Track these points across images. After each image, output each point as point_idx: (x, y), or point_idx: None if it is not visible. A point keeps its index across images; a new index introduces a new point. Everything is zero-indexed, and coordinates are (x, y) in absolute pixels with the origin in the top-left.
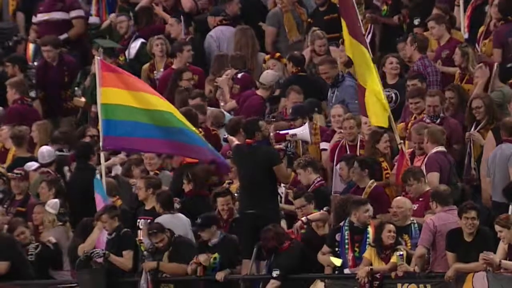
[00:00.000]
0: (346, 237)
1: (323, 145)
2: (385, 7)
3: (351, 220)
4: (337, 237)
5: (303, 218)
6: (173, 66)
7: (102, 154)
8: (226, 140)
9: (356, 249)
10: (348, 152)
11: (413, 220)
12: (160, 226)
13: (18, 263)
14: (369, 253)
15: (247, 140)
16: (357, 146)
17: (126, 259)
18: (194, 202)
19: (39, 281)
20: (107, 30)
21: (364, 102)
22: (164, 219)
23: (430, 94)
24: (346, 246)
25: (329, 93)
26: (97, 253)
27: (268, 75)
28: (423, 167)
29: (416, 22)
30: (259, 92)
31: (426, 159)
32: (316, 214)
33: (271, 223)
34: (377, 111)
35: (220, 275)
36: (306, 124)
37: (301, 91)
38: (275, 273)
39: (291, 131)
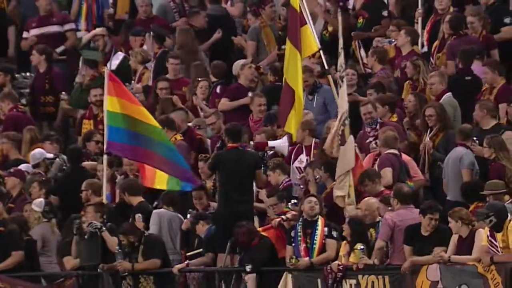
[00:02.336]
0: (299, 231)
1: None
2: (360, 20)
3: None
4: (292, 233)
5: (283, 217)
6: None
7: (105, 157)
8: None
9: (308, 240)
10: (304, 153)
11: (380, 218)
12: (131, 227)
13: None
14: (343, 248)
15: (231, 144)
16: (311, 147)
17: (115, 242)
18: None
19: (30, 273)
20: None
21: (287, 104)
22: (163, 213)
23: (362, 103)
24: (299, 239)
25: (305, 100)
26: (94, 224)
27: (238, 64)
28: (375, 167)
29: (373, 30)
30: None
31: (378, 159)
32: (291, 215)
33: (249, 220)
34: (292, 119)
35: (175, 269)
36: (285, 137)
37: (263, 95)
38: (248, 268)
39: (270, 143)
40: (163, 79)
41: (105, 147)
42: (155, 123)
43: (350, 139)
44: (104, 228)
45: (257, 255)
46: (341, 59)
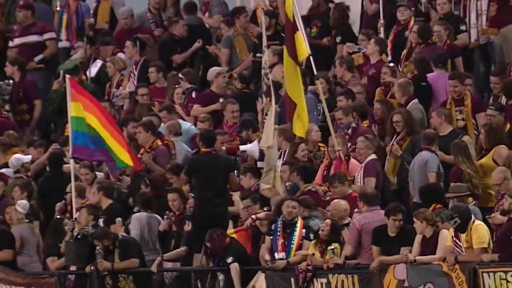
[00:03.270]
0: (279, 226)
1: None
2: (314, 29)
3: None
4: (273, 226)
5: (253, 216)
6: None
7: (72, 161)
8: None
9: (286, 238)
10: (281, 158)
11: (350, 219)
12: (104, 231)
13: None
14: (311, 247)
15: (204, 149)
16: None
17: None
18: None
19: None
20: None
21: (291, 114)
22: (142, 216)
23: (336, 109)
24: (278, 234)
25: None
26: (87, 229)
27: (212, 71)
28: (361, 172)
29: (338, 39)
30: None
31: (364, 165)
32: (262, 214)
33: (225, 221)
34: (299, 123)
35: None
36: (256, 141)
37: (235, 102)
38: (229, 259)
39: (242, 147)
40: (143, 85)
41: (70, 151)
42: (91, 122)
43: (275, 140)
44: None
45: (234, 250)
46: (265, 57)
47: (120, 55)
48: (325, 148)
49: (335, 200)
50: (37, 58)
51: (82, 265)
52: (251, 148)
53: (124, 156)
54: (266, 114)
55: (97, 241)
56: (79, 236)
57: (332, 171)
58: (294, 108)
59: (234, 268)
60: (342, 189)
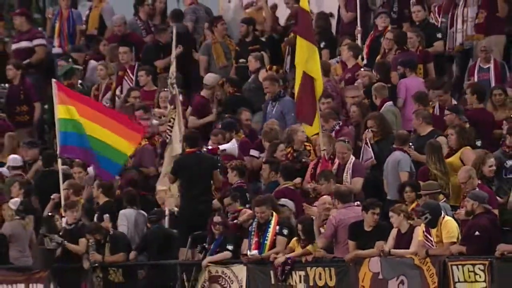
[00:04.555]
0: (254, 226)
1: (253, 152)
2: (292, 35)
3: None
4: (250, 228)
5: (236, 221)
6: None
7: (59, 161)
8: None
9: (261, 235)
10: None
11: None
12: (96, 226)
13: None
14: (293, 242)
15: (189, 149)
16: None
17: (81, 246)
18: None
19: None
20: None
21: (309, 98)
22: (129, 212)
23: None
24: (253, 233)
25: (268, 107)
26: (55, 240)
27: (210, 78)
28: (349, 172)
29: (322, 45)
30: (202, 92)
31: (351, 166)
32: (244, 216)
33: (209, 217)
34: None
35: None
36: (234, 140)
37: (249, 110)
38: (230, 247)
39: (221, 146)
40: (135, 89)
41: (58, 152)
42: (85, 125)
43: (176, 147)
44: (65, 242)
45: (235, 238)
46: (172, 68)
47: (92, 62)
48: (311, 147)
49: (324, 196)
50: (24, 62)
51: (48, 268)
52: (230, 146)
53: (123, 145)
54: (170, 121)
55: (89, 235)
56: (49, 247)
57: (319, 170)
58: (312, 84)
59: (228, 255)
60: (327, 186)
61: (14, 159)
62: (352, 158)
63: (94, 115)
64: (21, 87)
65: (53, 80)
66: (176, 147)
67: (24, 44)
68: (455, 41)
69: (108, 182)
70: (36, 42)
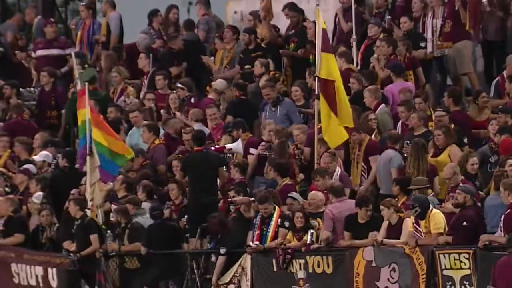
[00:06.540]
0: (258, 220)
1: (252, 150)
2: (292, 45)
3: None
4: (254, 220)
5: (229, 199)
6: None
7: (88, 158)
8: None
9: (264, 228)
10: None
11: (324, 208)
12: (125, 209)
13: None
14: (289, 235)
15: (196, 148)
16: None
17: (93, 242)
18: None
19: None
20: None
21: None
22: (148, 205)
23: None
24: (256, 226)
25: (268, 111)
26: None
27: (220, 83)
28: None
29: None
30: (211, 95)
31: (338, 178)
32: (238, 198)
33: (215, 210)
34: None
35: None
36: (239, 140)
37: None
38: (222, 250)
39: (228, 146)
40: (151, 92)
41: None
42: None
43: (95, 159)
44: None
45: (231, 241)
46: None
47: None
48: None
49: (313, 191)
50: (63, 70)
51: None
52: (236, 145)
53: (123, 148)
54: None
55: (116, 215)
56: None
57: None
58: (333, 87)
59: (222, 259)
60: (323, 182)
61: (46, 155)
62: (339, 170)
63: (98, 122)
64: (53, 93)
65: (84, 84)
66: (99, 197)
67: (55, 51)
68: (426, 50)
69: (132, 179)
70: (69, 51)
